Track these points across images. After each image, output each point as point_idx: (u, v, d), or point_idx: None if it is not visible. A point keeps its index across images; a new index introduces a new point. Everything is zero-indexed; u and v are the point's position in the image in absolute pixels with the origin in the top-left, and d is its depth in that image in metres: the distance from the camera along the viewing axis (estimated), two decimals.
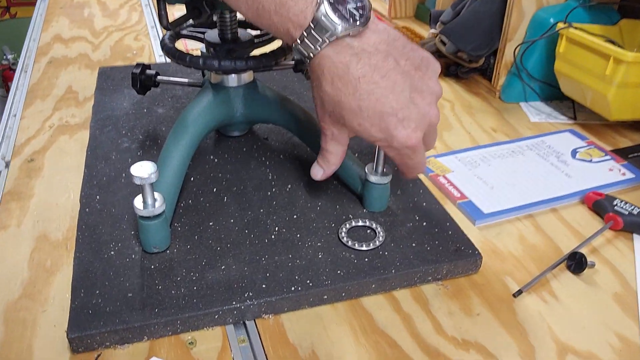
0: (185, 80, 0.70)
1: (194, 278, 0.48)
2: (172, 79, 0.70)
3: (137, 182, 0.46)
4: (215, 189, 0.60)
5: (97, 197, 0.58)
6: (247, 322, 0.47)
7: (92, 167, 0.63)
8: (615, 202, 0.58)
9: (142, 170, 0.46)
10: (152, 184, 0.47)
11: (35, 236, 0.55)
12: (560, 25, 0.74)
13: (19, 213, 0.58)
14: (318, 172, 0.52)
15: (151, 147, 0.67)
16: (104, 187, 0.60)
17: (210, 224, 0.54)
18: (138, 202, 0.48)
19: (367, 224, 0.54)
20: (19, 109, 0.80)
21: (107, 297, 0.46)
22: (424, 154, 0.48)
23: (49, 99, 0.82)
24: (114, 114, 0.74)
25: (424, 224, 0.55)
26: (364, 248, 0.51)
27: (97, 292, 0.47)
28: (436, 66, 0.46)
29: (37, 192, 0.62)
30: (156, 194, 0.49)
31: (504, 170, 0.66)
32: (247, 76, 0.63)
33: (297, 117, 0.63)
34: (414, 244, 0.52)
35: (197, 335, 0.46)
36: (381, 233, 0.53)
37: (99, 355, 0.44)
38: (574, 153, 0.70)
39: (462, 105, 0.82)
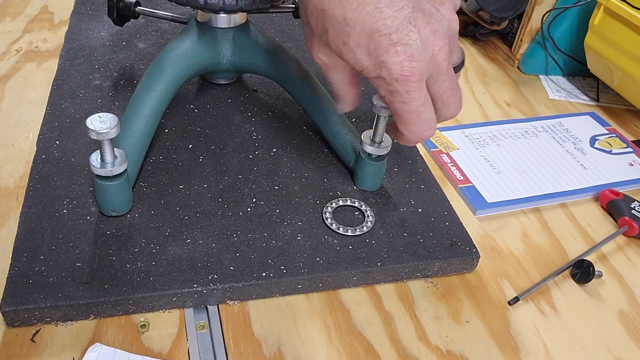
0: (169, 14, 0.62)
1: (154, 251, 0.43)
2: (153, 11, 0.62)
3: (94, 137, 0.39)
4: (191, 146, 0.53)
5: (57, 142, 0.51)
6: (209, 306, 0.42)
7: (56, 105, 0.56)
8: (633, 205, 0.53)
9: (101, 123, 0.39)
10: (111, 140, 0.41)
11: None
12: None
13: None
14: (338, 107, 0.44)
15: (125, 88, 0.60)
16: (65, 130, 0.53)
17: (181, 187, 0.48)
18: (95, 158, 0.42)
19: (356, 204, 0.48)
20: None
21: (53, 264, 0.41)
22: (425, 103, 0.37)
23: (20, 17, 0.74)
24: (89, 44, 0.66)
25: (419, 210, 0.49)
26: (349, 233, 0.46)
27: (42, 257, 0.41)
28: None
29: None
30: (117, 151, 0.42)
31: (514, 154, 0.59)
32: (239, 17, 0.55)
33: (290, 71, 0.55)
34: (405, 234, 0.46)
35: (150, 317, 0.40)
36: (370, 217, 0.47)
37: (37, 332, 0.39)
38: (592, 141, 0.63)
39: (476, 72, 0.74)
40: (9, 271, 0.40)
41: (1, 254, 0.43)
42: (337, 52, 0.38)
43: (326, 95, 0.54)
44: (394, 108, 0.38)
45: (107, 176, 0.42)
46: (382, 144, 0.47)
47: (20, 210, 0.45)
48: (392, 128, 0.43)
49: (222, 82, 0.62)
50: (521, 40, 0.74)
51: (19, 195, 0.48)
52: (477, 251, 0.46)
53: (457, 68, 0.39)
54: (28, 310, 0.38)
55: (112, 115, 0.40)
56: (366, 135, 0.48)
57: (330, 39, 0.37)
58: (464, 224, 0.48)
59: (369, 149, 0.48)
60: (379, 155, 0.48)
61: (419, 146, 0.59)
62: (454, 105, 0.39)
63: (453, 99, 0.39)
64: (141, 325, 0.40)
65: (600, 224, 0.53)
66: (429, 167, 0.54)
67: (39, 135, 0.52)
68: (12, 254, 0.41)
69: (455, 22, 0.37)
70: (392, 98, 0.37)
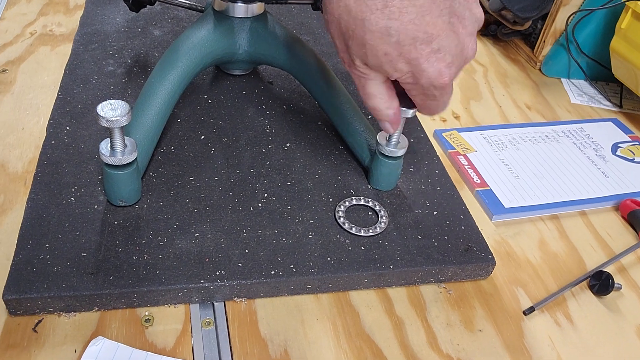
0: (186, 2, 0.61)
1: (161, 243, 0.42)
2: None
3: (104, 124, 0.38)
4: (203, 137, 0.52)
5: (67, 127, 0.50)
6: (215, 302, 0.41)
7: (68, 90, 0.55)
8: None
9: (112, 110, 0.38)
10: (122, 128, 0.39)
11: None
12: None
13: None
14: (385, 127, 0.43)
15: (139, 75, 0.59)
16: (76, 116, 0.52)
17: (191, 179, 0.47)
18: (104, 146, 0.41)
19: (370, 204, 0.47)
20: (0, 7, 0.70)
21: (58, 253, 0.40)
22: (449, 98, 0.39)
23: (35, 0, 0.73)
24: (103, 30, 0.65)
25: (435, 213, 0.47)
26: (362, 234, 0.44)
27: (47, 245, 0.40)
28: None
29: (2, 110, 0.55)
30: (128, 140, 0.41)
31: (533, 158, 0.58)
32: (257, 8, 0.54)
33: (307, 65, 0.54)
34: (419, 236, 0.45)
35: (155, 312, 0.40)
36: (384, 218, 0.46)
37: (39, 322, 0.38)
38: (614, 148, 0.61)
39: (496, 73, 0.73)
40: (13, 258, 0.39)
41: (6, 240, 0.42)
42: (375, 64, 0.37)
43: (343, 91, 0.53)
44: (424, 105, 0.39)
45: (116, 165, 0.41)
46: (399, 144, 0.46)
47: (27, 196, 0.44)
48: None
49: (238, 73, 0.61)
50: (544, 41, 0.72)
51: (27, 180, 0.47)
52: (492, 257, 0.45)
53: None
54: (31, 300, 0.37)
55: (123, 102, 0.39)
56: (382, 135, 0.46)
57: (369, 51, 0.36)
58: (479, 229, 0.47)
59: (384, 149, 0.46)
60: (394, 155, 0.47)
61: (436, 147, 0.57)
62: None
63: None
64: (145, 319, 0.39)
65: (620, 234, 0.51)
66: (446, 168, 0.53)
67: (49, 120, 0.51)
68: (17, 241, 0.40)
69: (482, 19, 0.38)
70: (425, 98, 0.38)
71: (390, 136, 0.46)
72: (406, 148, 0.46)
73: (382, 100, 0.40)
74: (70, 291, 0.37)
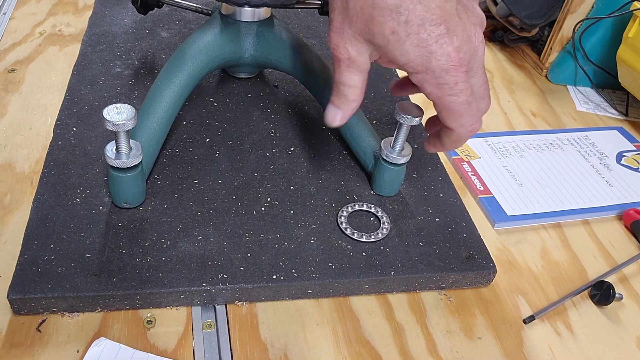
0: (193, 5, 0.61)
1: (165, 246, 0.42)
2: (178, 0, 0.61)
3: (110, 128, 0.39)
4: (208, 140, 0.52)
5: (74, 129, 0.51)
6: (217, 305, 0.41)
7: (75, 91, 0.55)
8: None
9: (118, 114, 0.39)
10: (127, 131, 0.40)
11: None
12: (637, 5, 0.63)
13: None
14: (335, 115, 0.41)
15: (146, 77, 0.59)
16: (83, 117, 0.52)
17: (195, 182, 0.48)
18: (110, 149, 0.41)
19: (372, 210, 0.47)
20: (10, 7, 0.71)
21: (62, 254, 0.40)
22: (472, 94, 0.37)
23: (45, 0, 0.74)
24: (112, 31, 0.65)
25: (437, 220, 0.48)
26: (364, 239, 0.44)
27: (52, 246, 0.41)
28: None
29: (10, 110, 0.55)
30: (133, 142, 0.42)
31: (537, 166, 0.58)
32: (264, 12, 0.54)
33: (312, 69, 0.54)
34: (421, 243, 0.45)
35: (158, 313, 0.40)
36: (386, 224, 0.46)
37: (43, 321, 0.38)
38: (619, 157, 0.61)
39: (502, 79, 0.73)
40: (19, 258, 0.39)
41: (12, 240, 0.43)
42: (380, 44, 0.36)
43: None
44: (443, 102, 0.37)
45: (121, 168, 0.41)
46: (403, 151, 0.46)
47: (33, 197, 0.44)
48: (432, 139, 0.42)
49: (243, 76, 0.61)
50: (551, 48, 0.72)
51: (33, 180, 0.48)
52: (494, 265, 0.45)
53: None
54: (35, 300, 0.38)
55: (129, 106, 0.39)
56: (386, 142, 0.47)
57: (377, 28, 0.35)
58: (481, 236, 0.47)
59: (388, 156, 0.46)
60: (398, 162, 0.47)
61: (440, 153, 0.58)
62: (487, 99, 0.39)
63: (486, 92, 0.39)
64: (147, 321, 0.39)
65: (622, 244, 0.51)
66: (449, 175, 0.53)
67: (56, 121, 0.52)
68: (23, 241, 0.41)
69: (484, 19, 0.38)
70: (440, 92, 0.36)
71: (394, 142, 0.46)
72: (410, 155, 0.47)
73: (355, 91, 0.39)
74: (74, 292, 0.38)
